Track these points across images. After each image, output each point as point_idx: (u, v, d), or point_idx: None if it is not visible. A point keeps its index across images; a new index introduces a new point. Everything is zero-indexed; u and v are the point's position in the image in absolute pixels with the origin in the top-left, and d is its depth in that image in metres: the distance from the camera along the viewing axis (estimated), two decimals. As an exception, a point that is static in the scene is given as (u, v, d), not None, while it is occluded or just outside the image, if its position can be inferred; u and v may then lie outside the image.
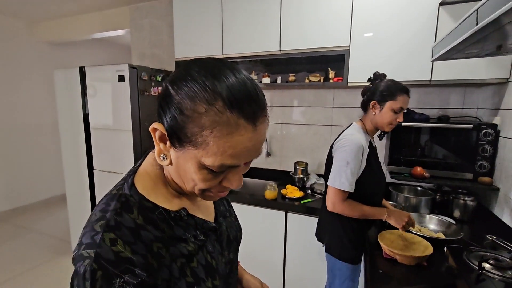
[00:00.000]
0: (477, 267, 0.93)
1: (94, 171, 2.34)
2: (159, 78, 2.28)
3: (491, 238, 1.16)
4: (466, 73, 1.53)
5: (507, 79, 1.45)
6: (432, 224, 1.38)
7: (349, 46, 1.75)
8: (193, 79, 0.40)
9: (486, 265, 0.92)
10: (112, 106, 2.15)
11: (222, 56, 2.14)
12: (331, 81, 1.94)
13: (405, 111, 1.25)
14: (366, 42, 1.71)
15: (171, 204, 0.50)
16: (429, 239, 1.17)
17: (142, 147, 2.18)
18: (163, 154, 0.45)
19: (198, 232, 0.52)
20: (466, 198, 1.53)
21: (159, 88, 2.28)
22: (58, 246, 2.86)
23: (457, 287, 0.94)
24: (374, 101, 1.24)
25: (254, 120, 0.40)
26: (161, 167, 0.51)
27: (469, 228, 1.45)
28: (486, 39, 0.78)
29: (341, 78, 1.89)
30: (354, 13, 1.71)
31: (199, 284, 0.48)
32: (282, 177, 2.33)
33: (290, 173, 2.25)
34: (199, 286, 0.48)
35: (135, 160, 2.15)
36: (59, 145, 2.51)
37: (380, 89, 1.23)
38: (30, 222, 3.43)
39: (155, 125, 0.43)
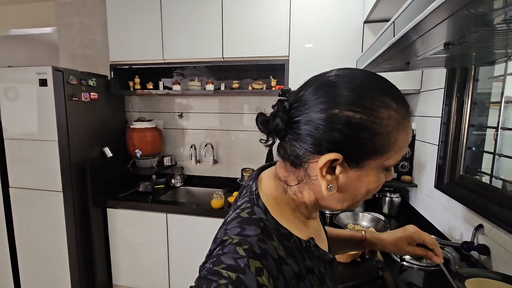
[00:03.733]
0: (399, 260, 1.04)
1: (10, 188, 2.01)
2: (91, 83, 2.07)
3: (411, 231, 1.31)
4: (388, 84, 1.73)
5: (419, 90, 1.67)
6: (365, 221, 1.51)
7: (288, 56, 1.83)
8: (360, 93, 0.40)
9: (406, 257, 1.03)
10: (32, 113, 1.87)
11: (162, 61, 2.04)
12: (273, 89, 2.01)
13: None
14: (305, 53, 1.81)
15: (300, 232, 0.46)
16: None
17: (71, 159, 1.94)
18: (331, 185, 0.42)
19: (322, 265, 0.48)
20: (392, 195, 1.72)
21: (91, 93, 2.07)
22: (-37, 281, 2.37)
23: (385, 279, 1.04)
24: None
25: (410, 111, 0.43)
26: (286, 191, 0.46)
27: (395, 222, 1.63)
28: (396, 57, 0.88)
29: (282, 86, 1.97)
30: (292, 26, 1.80)
31: None
32: (229, 184, 2.31)
33: (238, 180, 2.24)
34: None
35: (62, 175, 1.89)
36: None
37: None
38: None
39: (328, 156, 0.39)
